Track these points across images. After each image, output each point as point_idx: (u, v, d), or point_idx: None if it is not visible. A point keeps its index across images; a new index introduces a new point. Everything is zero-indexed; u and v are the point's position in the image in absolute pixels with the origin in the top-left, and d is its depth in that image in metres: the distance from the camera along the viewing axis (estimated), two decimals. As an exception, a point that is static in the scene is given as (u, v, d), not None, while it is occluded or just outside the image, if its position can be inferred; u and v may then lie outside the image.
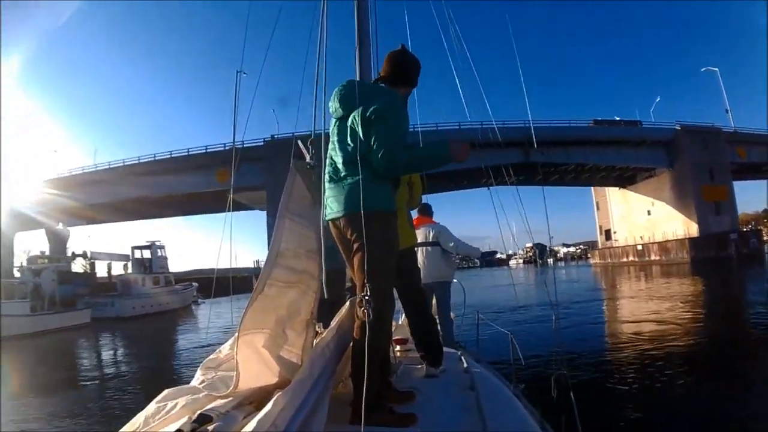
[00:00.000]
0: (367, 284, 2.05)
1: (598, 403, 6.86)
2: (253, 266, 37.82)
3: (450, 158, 2.32)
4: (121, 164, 48.62)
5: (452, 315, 5.96)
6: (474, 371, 2.98)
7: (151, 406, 1.75)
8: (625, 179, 58.78)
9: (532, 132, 40.42)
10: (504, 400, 2.58)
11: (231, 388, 1.89)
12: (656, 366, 8.96)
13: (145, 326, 28.84)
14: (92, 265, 45.61)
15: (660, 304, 19.09)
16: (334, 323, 2.42)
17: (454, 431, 2.11)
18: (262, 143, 41.17)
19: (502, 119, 42.01)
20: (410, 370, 3.17)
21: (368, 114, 2.33)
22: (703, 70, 65.48)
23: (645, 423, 6.37)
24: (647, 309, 17.86)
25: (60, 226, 47.33)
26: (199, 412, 1.60)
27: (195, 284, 45.41)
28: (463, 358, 3.43)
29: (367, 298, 2.00)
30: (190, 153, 45.33)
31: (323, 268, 2.47)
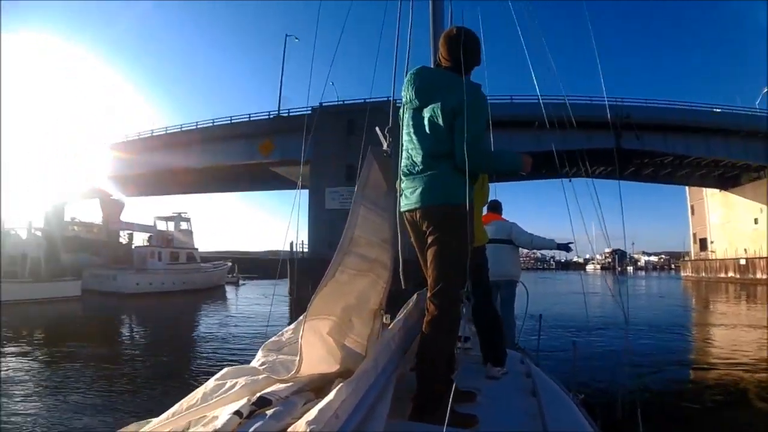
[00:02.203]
0: (437, 278, 2.28)
1: (666, 419, 6.56)
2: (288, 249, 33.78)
3: (520, 169, 2.59)
4: (164, 132, 46.00)
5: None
6: (536, 376, 2.98)
7: (210, 383, 1.72)
8: (728, 180, 51.27)
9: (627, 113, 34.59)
10: (566, 408, 2.54)
11: (292, 373, 1.83)
12: (745, 411, 7.76)
13: (139, 306, 26.85)
14: (130, 236, 44.19)
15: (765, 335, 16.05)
16: (401, 315, 2.54)
17: None
18: (309, 111, 36.28)
19: (588, 95, 36.48)
20: (471, 369, 3.16)
21: (450, 107, 2.36)
22: None
23: None
24: (747, 339, 15.32)
25: (114, 197, 47.58)
26: (258, 394, 1.57)
27: (228, 263, 42.16)
28: (525, 360, 3.49)
29: (439, 292, 2.25)
30: (232, 121, 41.75)
31: (399, 258, 2.48)
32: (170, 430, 1.47)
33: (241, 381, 1.72)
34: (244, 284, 43.92)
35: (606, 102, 34.94)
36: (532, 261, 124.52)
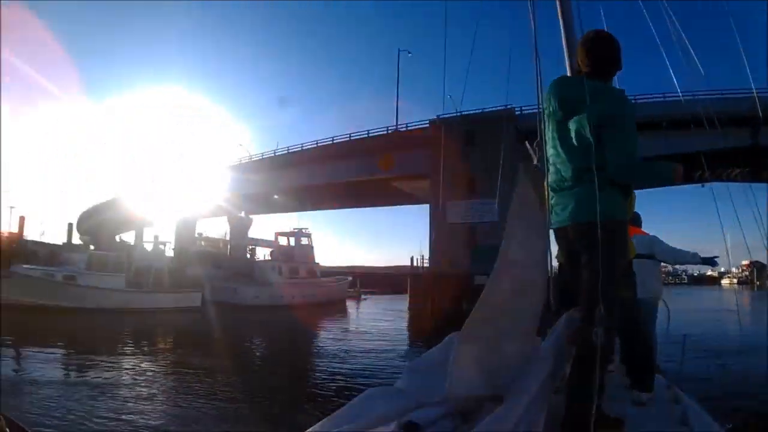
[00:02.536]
0: (594, 300, 2.10)
1: None
2: (410, 264, 34.33)
3: (671, 180, 2.43)
4: (286, 151, 47.83)
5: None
6: (686, 404, 2.79)
7: (355, 404, 1.72)
8: None
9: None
10: None
11: (441, 396, 1.79)
12: None
13: (256, 318, 28.09)
14: (252, 251, 46.03)
15: None
16: (551, 337, 2.32)
17: None
18: (427, 125, 36.76)
19: (719, 88, 34.08)
20: (615, 393, 2.85)
21: (598, 117, 2.30)
22: None
23: None
24: None
25: (242, 214, 49.85)
26: (407, 418, 1.57)
27: (349, 278, 43.46)
28: (671, 386, 3.24)
29: (592, 314, 2.08)
30: (351, 138, 42.69)
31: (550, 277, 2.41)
32: None
33: (387, 403, 1.75)
34: (365, 299, 44.96)
35: (740, 94, 32.64)
36: (663, 275, 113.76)
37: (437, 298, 29.87)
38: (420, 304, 31.35)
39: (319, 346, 19.68)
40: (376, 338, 21.19)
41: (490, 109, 34.50)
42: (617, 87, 2.64)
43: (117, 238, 51.08)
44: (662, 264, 6.23)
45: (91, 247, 40.03)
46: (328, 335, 22.93)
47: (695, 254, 6.02)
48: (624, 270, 2.33)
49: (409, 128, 39.24)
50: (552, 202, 2.52)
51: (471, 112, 35.54)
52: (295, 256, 39.45)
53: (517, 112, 34.68)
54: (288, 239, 41.87)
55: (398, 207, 53.42)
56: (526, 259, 2.13)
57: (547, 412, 2.01)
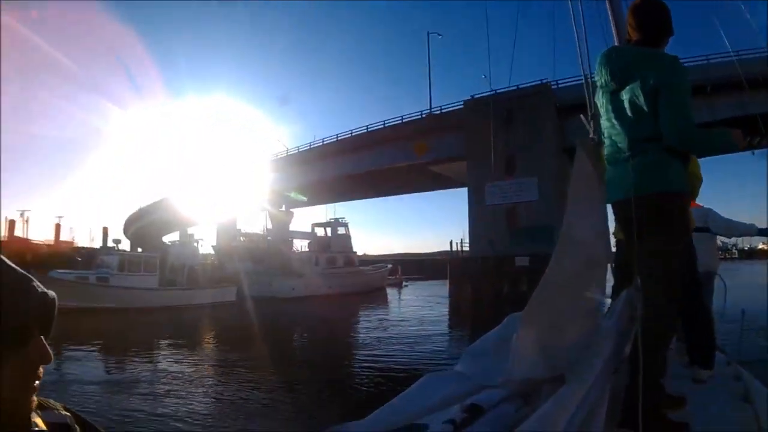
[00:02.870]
0: (654, 275, 2.14)
1: None
2: (449, 248, 33.38)
3: (733, 146, 2.35)
4: (321, 143, 47.29)
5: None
6: (747, 380, 2.76)
7: (414, 389, 1.75)
8: None
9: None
10: None
11: (503, 378, 1.79)
12: None
13: (293, 310, 27.96)
14: (291, 244, 45.56)
15: None
16: (612, 317, 2.23)
17: None
18: (461, 105, 35.63)
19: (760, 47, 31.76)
20: (676, 371, 2.91)
21: (652, 85, 2.22)
22: None
23: None
24: None
25: (283, 209, 49.51)
26: (469, 401, 1.58)
27: (389, 265, 42.80)
28: (731, 363, 3.25)
29: (654, 292, 2.10)
30: (385, 125, 41.70)
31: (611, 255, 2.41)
32: None
33: (447, 388, 1.76)
34: (407, 286, 44.30)
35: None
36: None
37: (477, 283, 29.03)
38: (460, 289, 30.50)
39: (351, 336, 19.21)
40: (415, 325, 20.51)
41: (525, 85, 33.15)
42: (669, 53, 2.47)
43: (164, 239, 51.75)
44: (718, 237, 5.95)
45: (139, 249, 40.43)
46: (363, 324, 22.42)
47: (752, 225, 5.68)
48: (685, 244, 2.28)
49: (443, 110, 38.05)
50: (609, 175, 2.43)
51: (505, 89, 34.30)
52: (332, 246, 39.04)
53: (553, 87, 33.29)
54: (325, 230, 41.42)
55: (438, 192, 52.16)
56: (589, 236, 2.12)
57: (611, 393, 1.98)
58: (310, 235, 42.03)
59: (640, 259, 2.18)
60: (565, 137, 32.06)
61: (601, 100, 2.56)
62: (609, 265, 2.69)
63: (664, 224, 2.21)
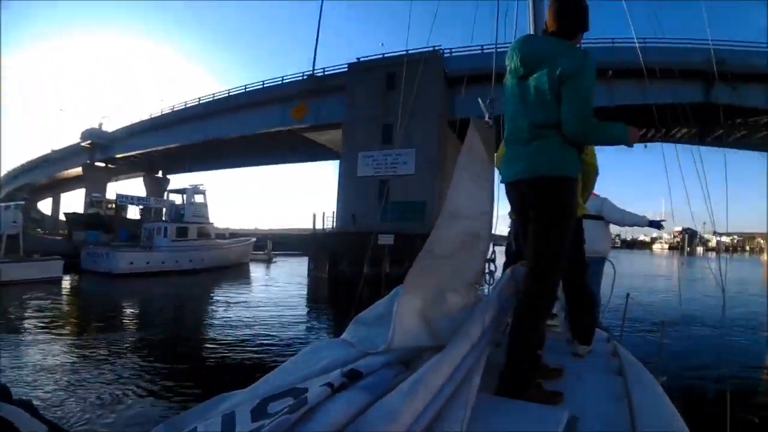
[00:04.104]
0: (539, 252, 2.27)
1: (758, 414, 6.17)
2: (312, 226, 29.31)
3: (626, 142, 2.41)
4: (197, 102, 42.94)
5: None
6: (622, 355, 2.94)
7: (300, 356, 1.79)
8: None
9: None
10: (652, 389, 2.43)
11: (384, 346, 1.78)
12: None
13: (124, 288, 22.97)
14: (118, 209, 40.75)
15: None
16: (495, 290, 2.44)
17: (599, 416, 2.07)
18: (345, 68, 31.72)
19: (676, 37, 30.70)
20: (557, 346, 3.16)
21: (558, 75, 2.28)
22: None
23: None
24: None
25: (159, 174, 48.11)
26: (350, 366, 1.59)
27: (253, 239, 38.12)
28: (611, 340, 3.47)
29: (538, 268, 2.26)
30: (264, 86, 37.30)
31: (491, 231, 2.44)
32: (259, 402, 1.40)
33: (332, 354, 1.76)
34: (275, 262, 40.03)
35: (695, 44, 28.76)
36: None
37: (336, 261, 25.36)
38: (318, 269, 26.62)
39: (173, 319, 15.80)
40: (268, 306, 17.26)
41: (415, 51, 29.76)
42: (581, 47, 2.52)
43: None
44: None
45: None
46: (203, 306, 18.25)
47: (643, 217, 6.18)
48: (571, 227, 2.33)
49: (326, 72, 33.91)
50: (506, 156, 2.52)
51: (393, 53, 30.78)
52: (185, 216, 33.66)
53: (445, 55, 30.04)
54: (182, 197, 35.90)
55: (319, 164, 48.08)
56: (472, 212, 2.19)
57: (490, 363, 2.07)
58: (165, 203, 36.45)
59: (528, 237, 2.34)
60: (453, 109, 28.96)
61: (508, 84, 2.57)
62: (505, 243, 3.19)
63: (553, 206, 2.26)
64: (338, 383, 1.41)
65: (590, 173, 3.64)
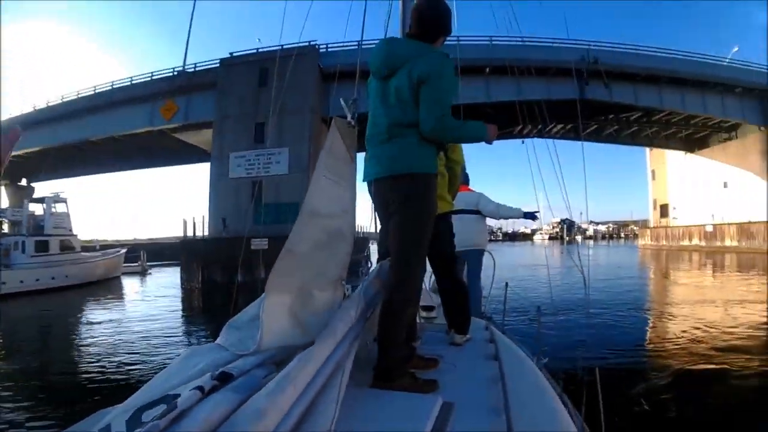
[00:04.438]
0: (400, 248, 2.31)
1: (623, 382, 6.97)
2: (183, 233, 27.00)
3: (485, 139, 2.55)
4: (60, 101, 38.76)
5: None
6: (498, 341, 3.04)
7: (175, 364, 1.75)
8: (695, 142, 46.27)
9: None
10: (526, 371, 2.54)
11: (254, 347, 1.83)
12: (700, 369, 7.89)
13: None
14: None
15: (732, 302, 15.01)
16: (362, 285, 2.46)
17: (474, 400, 2.12)
18: (217, 64, 29.62)
19: (548, 36, 31.17)
20: (435, 337, 3.28)
21: (417, 76, 2.34)
22: None
23: (667, 410, 6.13)
24: (712, 306, 14.52)
25: (23, 182, 43.67)
26: (221, 369, 1.59)
27: (122, 250, 34.50)
28: (489, 327, 3.57)
29: (400, 262, 2.31)
30: (133, 82, 34.13)
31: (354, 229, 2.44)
32: (134, 412, 1.39)
33: (205, 359, 1.75)
34: (150, 274, 37.01)
35: (570, 44, 29.20)
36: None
37: (209, 270, 23.45)
38: (190, 278, 24.45)
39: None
40: (136, 322, 15.24)
41: (290, 45, 28.24)
42: (442, 50, 2.57)
43: None
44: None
45: None
46: (67, 328, 15.77)
47: (518, 209, 6.26)
48: (431, 221, 2.38)
49: (197, 68, 31.67)
50: (368, 155, 2.57)
51: (268, 48, 29.08)
52: (46, 228, 29.92)
53: (321, 50, 28.71)
54: (42, 207, 32.00)
55: (195, 166, 44.41)
56: (333, 211, 2.21)
57: (365, 358, 2.25)
58: (23, 214, 32.26)
59: (391, 233, 2.36)
60: (329, 106, 27.71)
61: (372, 85, 2.61)
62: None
63: (412, 202, 2.29)
64: (209, 386, 1.42)
65: (456, 170, 3.76)
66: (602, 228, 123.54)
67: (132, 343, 12.05)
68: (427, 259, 2.65)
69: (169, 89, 31.29)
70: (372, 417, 1.85)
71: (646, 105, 34.41)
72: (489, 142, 2.57)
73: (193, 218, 27.55)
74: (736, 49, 36.50)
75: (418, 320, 3.13)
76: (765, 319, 11.78)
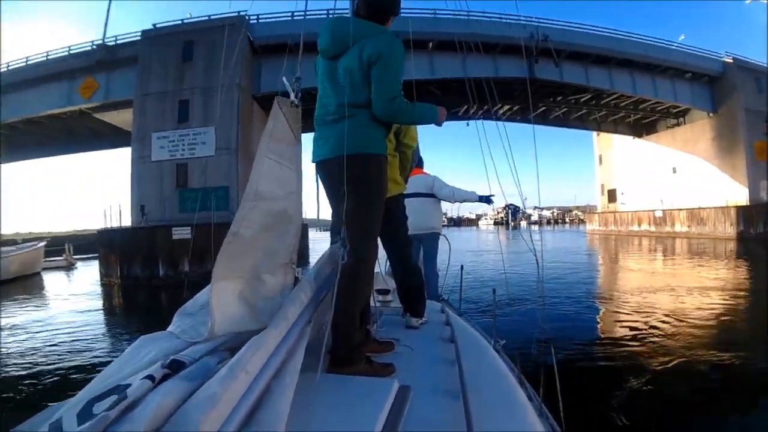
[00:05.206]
0: (351, 229, 2.25)
1: (579, 360, 7.14)
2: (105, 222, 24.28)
3: (434, 121, 2.59)
4: None
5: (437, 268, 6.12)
6: (454, 324, 3.07)
7: (126, 353, 1.77)
8: (643, 126, 45.95)
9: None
10: (482, 353, 2.61)
11: (206, 335, 1.85)
12: (653, 341, 8.25)
13: None
14: None
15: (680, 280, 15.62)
16: (314, 268, 2.40)
17: (431, 382, 2.12)
18: (140, 36, 26.85)
19: (500, 12, 29.87)
20: (391, 320, 3.29)
21: (368, 56, 2.33)
22: (749, 1, 49.51)
23: (622, 379, 6.26)
24: (662, 286, 14.76)
25: None
26: (171, 357, 1.59)
27: (40, 243, 31.03)
28: (445, 310, 3.59)
29: (348, 243, 2.21)
30: (49, 57, 30.81)
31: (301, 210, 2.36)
32: (85, 404, 1.35)
33: (156, 347, 1.75)
34: (76, 268, 33.98)
35: (520, 20, 27.62)
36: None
37: (128, 263, 21.04)
38: (109, 273, 21.80)
39: None
40: (51, 327, 12.75)
41: (219, 16, 25.73)
42: (391, 30, 2.56)
43: None
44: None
45: None
46: None
47: (473, 192, 6.17)
48: (381, 203, 2.40)
49: (118, 41, 28.66)
50: (315, 136, 2.53)
51: (195, 18, 26.54)
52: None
53: (252, 21, 26.33)
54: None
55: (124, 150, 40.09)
56: (277, 192, 2.16)
57: (321, 344, 2.07)
58: None
59: (342, 214, 2.27)
60: (261, 82, 25.41)
61: (320, 65, 2.55)
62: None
63: (360, 184, 2.24)
64: (159, 375, 1.41)
65: (408, 154, 3.67)
66: (547, 213, 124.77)
67: (41, 353, 10.05)
68: (381, 242, 2.81)
69: (88, 65, 28.27)
70: (328, 402, 1.80)
71: (598, 87, 33.32)
72: (439, 124, 2.61)
73: (111, 207, 24.75)
74: (682, 36, 35.97)
75: (373, 304, 3.04)
76: (723, 306, 11.44)
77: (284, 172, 2.20)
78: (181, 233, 20.15)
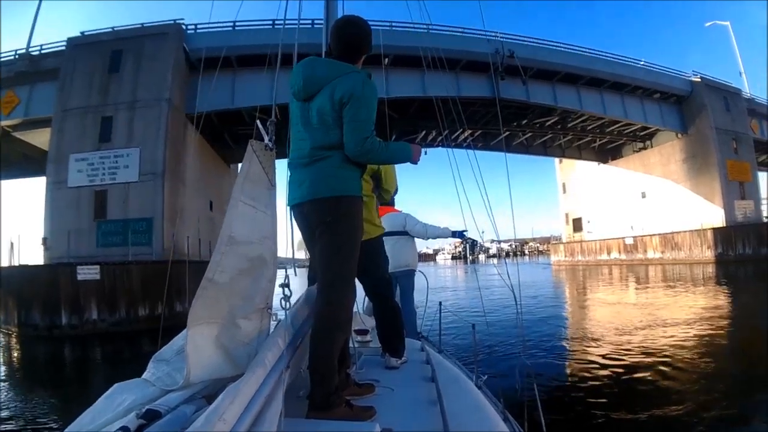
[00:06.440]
0: (328, 272, 2.20)
1: (562, 395, 7.11)
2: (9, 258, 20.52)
3: (409, 160, 2.50)
4: None
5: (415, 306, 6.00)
6: (435, 362, 3.00)
7: (100, 402, 1.69)
8: (608, 152, 44.81)
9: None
10: (464, 391, 2.54)
11: (182, 382, 1.78)
12: (632, 368, 8.35)
13: None
14: None
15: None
16: (290, 313, 2.29)
17: (413, 424, 2.09)
18: (64, 46, 23.73)
19: (461, 25, 27.62)
20: (370, 361, 3.18)
21: (339, 97, 2.28)
22: (708, 24, 49.06)
23: (608, 414, 6.23)
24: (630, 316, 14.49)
25: None
26: (147, 407, 1.55)
27: None
28: (425, 348, 3.49)
29: (328, 287, 2.19)
30: (-33, 68, 27.30)
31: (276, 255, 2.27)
32: None
33: (131, 396, 1.69)
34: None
35: (485, 35, 25.30)
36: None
37: (25, 308, 17.51)
38: (9, 320, 18.34)
39: None
40: None
41: (151, 24, 22.79)
42: (363, 70, 2.45)
43: None
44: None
45: None
46: None
47: (446, 229, 6.12)
48: (357, 245, 2.31)
49: (43, 51, 25.45)
50: (290, 179, 2.47)
51: (127, 26, 23.54)
52: None
53: (189, 31, 23.41)
54: None
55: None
56: (252, 236, 2.11)
57: (299, 388, 2.23)
58: None
59: (318, 257, 2.28)
60: (197, 99, 22.52)
61: (293, 107, 2.50)
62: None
63: (339, 225, 2.23)
64: (135, 426, 1.38)
65: (386, 199, 3.96)
66: (505, 246, 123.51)
67: None
68: (359, 282, 2.68)
69: (8, 76, 24.86)
70: None
71: (566, 107, 31.55)
72: (414, 162, 2.53)
73: (13, 240, 20.88)
74: (643, 62, 34.53)
75: (352, 345, 2.94)
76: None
77: (258, 216, 2.13)
78: (88, 273, 17.02)
